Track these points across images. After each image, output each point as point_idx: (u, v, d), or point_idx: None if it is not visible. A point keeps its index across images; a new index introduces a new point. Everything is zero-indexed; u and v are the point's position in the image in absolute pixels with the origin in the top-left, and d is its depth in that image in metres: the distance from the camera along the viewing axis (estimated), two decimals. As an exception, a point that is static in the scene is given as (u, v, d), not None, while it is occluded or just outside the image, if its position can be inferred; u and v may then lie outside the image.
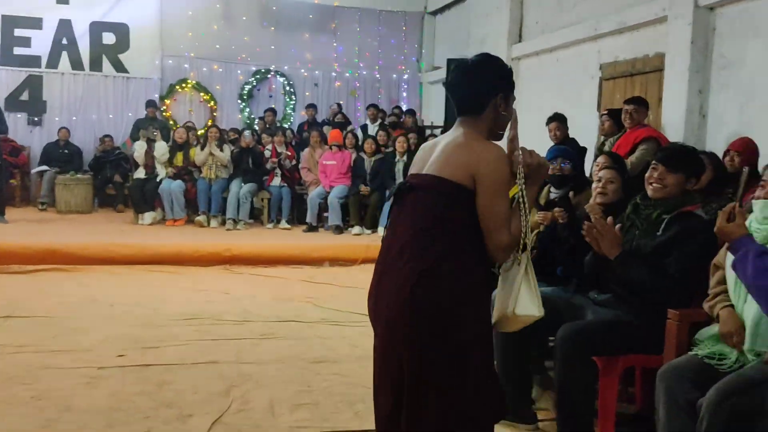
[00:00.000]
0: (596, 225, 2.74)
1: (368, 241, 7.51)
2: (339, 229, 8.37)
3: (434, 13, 12.14)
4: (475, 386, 1.95)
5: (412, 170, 2.13)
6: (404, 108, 11.34)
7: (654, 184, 2.78)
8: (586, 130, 6.91)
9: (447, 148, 2.05)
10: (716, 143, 5.36)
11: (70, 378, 3.46)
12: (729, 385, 2.11)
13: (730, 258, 2.39)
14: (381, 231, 8.19)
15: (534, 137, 7.83)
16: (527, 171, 2.03)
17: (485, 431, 2.05)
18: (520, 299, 2.06)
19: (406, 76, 12.42)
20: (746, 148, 4.53)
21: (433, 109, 11.72)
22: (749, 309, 2.27)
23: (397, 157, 8.51)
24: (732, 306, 2.36)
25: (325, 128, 10.14)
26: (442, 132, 9.98)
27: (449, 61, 10.03)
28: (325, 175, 8.78)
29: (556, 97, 7.84)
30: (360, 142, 9.11)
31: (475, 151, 2.00)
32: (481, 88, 2.10)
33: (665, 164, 2.76)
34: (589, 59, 7.40)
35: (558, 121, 6.21)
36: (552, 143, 6.30)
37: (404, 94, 12.41)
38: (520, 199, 2.02)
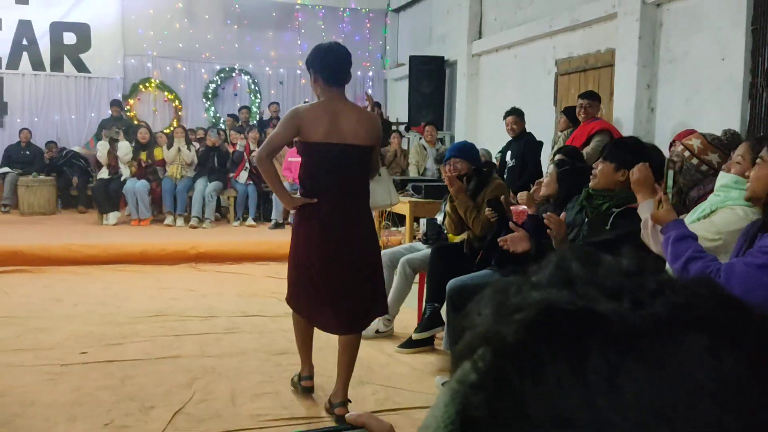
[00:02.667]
0: (550, 220, 2.84)
1: (334, 236, 7.61)
2: (304, 226, 8.44)
3: (397, 10, 12.27)
4: None
5: (331, 138, 2.96)
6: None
7: (591, 175, 2.94)
8: (543, 125, 7.10)
9: (362, 120, 3.05)
10: (664, 135, 5.56)
11: (33, 375, 3.51)
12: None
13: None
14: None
15: (493, 131, 8.04)
16: None
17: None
18: (392, 194, 3.45)
19: (370, 73, 12.53)
20: (691, 139, 4.76)
21: (397, 105, 11.85)
22: None
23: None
24: None
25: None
26: (406, 128, 10.17)
27: (412, 58, 10.20)
28: (290, 171, 8.86)
29: (515, 92, 8.02)
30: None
31: (374, 120, 3.18)
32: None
33: (602, 155, 2.92)
34: (545, 55, 7.59)
35: (515, 115, 6.37)
36: (509, 137, 6.48)
37: (369, 91, 12.49)
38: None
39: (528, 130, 6.42)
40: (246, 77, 11.88)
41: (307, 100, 11.88)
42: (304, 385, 3.30)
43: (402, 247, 4.58)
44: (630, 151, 2.90)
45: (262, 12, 11.72)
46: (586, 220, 2.94)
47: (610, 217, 2.85)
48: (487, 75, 8.92)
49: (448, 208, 4.00)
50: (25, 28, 10.61)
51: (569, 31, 7.08)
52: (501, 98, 8.19)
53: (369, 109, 3.42)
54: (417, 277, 4.45)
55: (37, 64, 10.71)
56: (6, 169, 9.93)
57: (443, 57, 9.96)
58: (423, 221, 6.61)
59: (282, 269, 6.87)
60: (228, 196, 9.10)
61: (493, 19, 8.73)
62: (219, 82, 11.77)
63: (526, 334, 0.35)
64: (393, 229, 7.47)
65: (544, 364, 0.33)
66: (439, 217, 4.47)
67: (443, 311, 3.78)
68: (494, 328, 0.36)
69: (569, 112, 6.04)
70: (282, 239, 7.52)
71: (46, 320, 4.59)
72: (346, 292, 3.05)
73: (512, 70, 8.30)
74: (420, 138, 9.08)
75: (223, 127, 10.60)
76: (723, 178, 2.49)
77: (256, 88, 11.90)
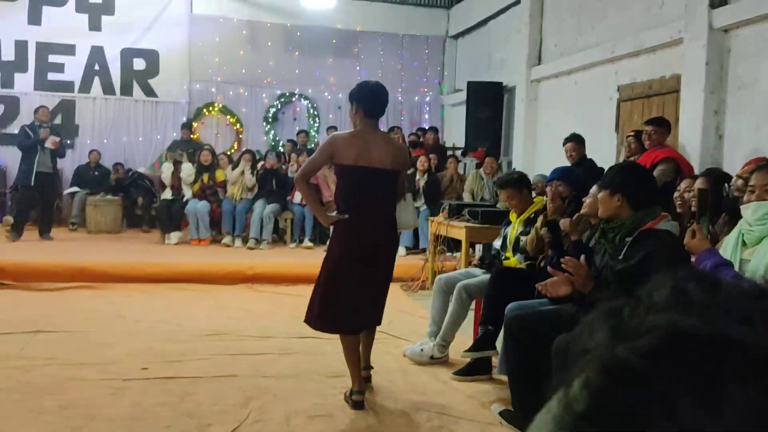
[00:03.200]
0: (567, 264, 2.84)
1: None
2: (360, 249, 8.47)
3: (456, 36, 12.33)
4: None
5: (363, 161, 3.41)
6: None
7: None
8: (603, 151, 6.97)
9: (389, 148, 3.53)
10: (734, 163, 5.38)
11: (96, 389, 3.60)
12: None
13: None
14: (401, 250, 8.29)
15: (551, 158, 7.93)
16: None
17: None
18: (415, 219, 4.06)
19: (428, 98, 12.58)
20: (762, 167, 4.58)
21: (454, 130, 11.85)
22: None
23: (418, 176, 8.63)
24: None
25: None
26: (462, 153, 10.15)
27: (470, 84, 10.20)
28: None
29: (575, 118, 7.92)
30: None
31: (401, 148, 3.89)
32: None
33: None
34: (607, 81, 7.47)
35: (574, 141, 6.27)
36: (569, 164, 6.37)
37: (426, 116, 12.56)
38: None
39: (589, 157, 6.31)
40: (305, 102, 12.10)
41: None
42: (354, 399, 3.44)
43: (458, 273, 4.54)
44: (615, 176, 2.94)
45: (323, 38, 11.95)
46: (606, 255, 2.92)
47: (623, 247, 2.84)
48: (546, 101, 8.84)
49: (538, 224, 3.96)
50: (97, 53, 11.10)
51: (632, 57, 6.96)
52: (560, 124, 8.08)
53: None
54: (473, 304, 4.40)
55: (107, 88, 11.18)
56: (75, 189, 10.35)
57: (501, 83, 9.94)
58: (479, 246, 6.54)
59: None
60: (285, 218, 9.23)
61: (553, 45, 8.67)
62: (279, 107, 12.02)
63: (651, 361, 0.32)
64: (447, 254, 7.41)
65: (671, 394, 0.30)
66: (497, 243, 4.42)
67: (500, 338, 3.72)
68: (612, 354, 0.33)
69: (639, 135, 5.90)
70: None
71: (109, 335, 4.72)
72: (373, 296, 3.58)
73: (572, 96, 8.20)
74: (479, 166, 9.05)
75: (282, 150, 10.79)
76: (762, 206, 2.43)
77: (315, 112, 12.10)
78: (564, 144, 6.34)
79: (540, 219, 4.03)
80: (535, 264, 3.99)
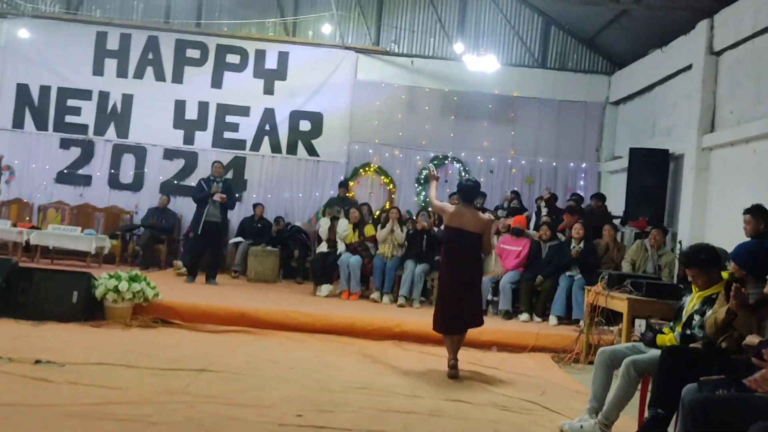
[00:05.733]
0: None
1: (538, 329, 7.30)
2: (508, 315, 8.26)
3: (616, 103, 11.98)
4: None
5: (458, 225, 5.63)
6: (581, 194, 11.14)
7: None
8: (788, 226, 6.32)
9: (474, 218, 5.66)
10: None
11: (255, 431, 3.70)
12: None
13: None
14: (552, 320, 7.96)
15: (725, 231, 7.33)
16: None
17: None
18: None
19: (584, 165, 12.23)
20: None
21: (611, 198, 11.35)
22: None
23: (573, 244, 8.32)
24: None
25: (499, 212, 10.22)
26: (622, 222, 9.68)
27: (632, 150, 9.80)
28: (501, 258, 8.83)
29: (754, 189, 7.31)
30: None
31: (484, 219, 5.75)
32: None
33: None
34: (792, 150, 6.86)
35: (752, 213, 5.76)
36: (747, 238, 5.85)
37: (581, 183, 12.19)
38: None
39: (772, 232, 5.74)
40: (458, 165, 12.21)
41: (516, 188, 11.94)
42: (450, 365, 5.54)
43: (623, 347, 4.24)
44: None
45: (480, 103, 12.10)
46: None
47: None
48: (718, 170, 8.26)
49: (718, 313, 3.59)
50: (268, 115, 12.00)
51: (823, 125, 6.35)
52: (735, 196, 7.51)
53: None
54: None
55: (275, 147, 11.99)
56: (240, 239, 11.05)
57: (667, 150, 9.45)
58: (641, 322, 6.11)
59: (484, 357, 6.74)
60: (433, 278, 9.21)
61: (728, 112, 8.14)
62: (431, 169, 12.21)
63: None
64: (604, 327, 6.98)
65: None
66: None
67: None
68: None
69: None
70: (484, 326, 7.34)
71: (265, 380, 4.89)
72: (460, 310, 5.62)
73: (750, 166, 7.60)
74: (639, 236, 8.58)
75: (430, 210, 10.88)
76: None
77: (467, 175, 12.14)
78: (744, 214, 5.84)
79: (721, 300, 3.66)
80: (714, 345, 3.63)
